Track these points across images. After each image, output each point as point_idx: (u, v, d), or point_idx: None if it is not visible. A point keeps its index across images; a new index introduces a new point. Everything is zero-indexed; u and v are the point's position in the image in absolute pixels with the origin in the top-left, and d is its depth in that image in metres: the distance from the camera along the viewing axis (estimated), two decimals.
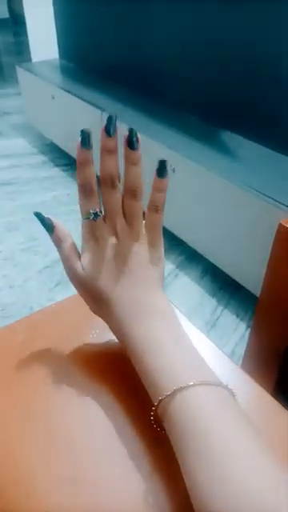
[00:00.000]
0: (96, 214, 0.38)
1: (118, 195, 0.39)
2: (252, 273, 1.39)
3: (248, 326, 1.45)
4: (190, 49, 1.74)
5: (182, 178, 1.53)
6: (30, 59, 2.98)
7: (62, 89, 2.22)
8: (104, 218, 0.39)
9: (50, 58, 2.80)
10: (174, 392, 0.31)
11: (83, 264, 0.40)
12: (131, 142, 0.37)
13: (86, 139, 0.37)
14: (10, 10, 6.67)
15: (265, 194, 1.25)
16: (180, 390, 0.31)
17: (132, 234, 0.39)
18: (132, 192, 0.38)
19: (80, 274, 0.40)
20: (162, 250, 0.42)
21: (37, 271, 1.71)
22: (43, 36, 2.81)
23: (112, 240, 0.39)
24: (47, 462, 0.37)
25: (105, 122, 0.37)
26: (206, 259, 1.61)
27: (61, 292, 1.59)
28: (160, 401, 0.32)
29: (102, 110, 1.91)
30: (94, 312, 0.42)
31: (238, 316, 1.50)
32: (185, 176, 1.51)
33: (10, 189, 2.34)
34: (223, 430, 0.29)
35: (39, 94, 2.48)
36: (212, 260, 1.58)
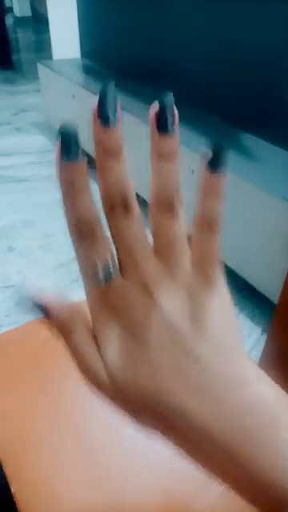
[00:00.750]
0: (108, 271, 0.21)
1: (136, 223, 0.21)
2: (268, 277, 1.38)
3: (263, 331, 1.43)
4: (214, 49, 1.73)
5: None
6: (50, 57, 3.00)
7: (83, 88, 2.23)
8: (120, 271, 0.22)
9: (71, 56, 2.82)
10: None
11: (110, 364, 0.22)
12: (164, 120, 0.21)
13: (70, 144, 0.21)
14: (32, 8, 6.74)
15: (285, 198, 1.24)
16: None
17: (175, 280, 0.22)
18: (167, 205, 0.22)
19: (109, 385, 0.22)
20: (227, 291, 0.24)
21: (52, 268, 1.72)
22: (65, 34, 2.82)
23: (145, 304, 0.21)
24: (67, 457, 0.37)
25: (96, 101, 0.20)
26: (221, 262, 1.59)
27: (76, 290, 1.59)
28: None
29: (122, 109, 1.91)
30: (140, 424, 0.23)
31: (252, 320, 1.49)
32: None
33: (28, 185, 2.35)
34: None
35: (60, 92, 2.49)
36: (227, 263, 1.56)
